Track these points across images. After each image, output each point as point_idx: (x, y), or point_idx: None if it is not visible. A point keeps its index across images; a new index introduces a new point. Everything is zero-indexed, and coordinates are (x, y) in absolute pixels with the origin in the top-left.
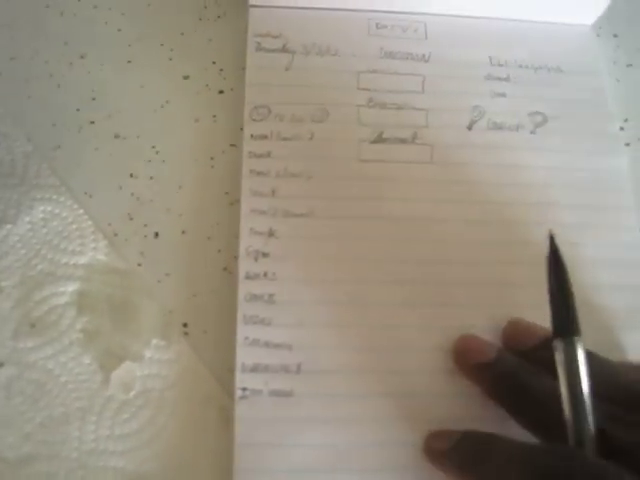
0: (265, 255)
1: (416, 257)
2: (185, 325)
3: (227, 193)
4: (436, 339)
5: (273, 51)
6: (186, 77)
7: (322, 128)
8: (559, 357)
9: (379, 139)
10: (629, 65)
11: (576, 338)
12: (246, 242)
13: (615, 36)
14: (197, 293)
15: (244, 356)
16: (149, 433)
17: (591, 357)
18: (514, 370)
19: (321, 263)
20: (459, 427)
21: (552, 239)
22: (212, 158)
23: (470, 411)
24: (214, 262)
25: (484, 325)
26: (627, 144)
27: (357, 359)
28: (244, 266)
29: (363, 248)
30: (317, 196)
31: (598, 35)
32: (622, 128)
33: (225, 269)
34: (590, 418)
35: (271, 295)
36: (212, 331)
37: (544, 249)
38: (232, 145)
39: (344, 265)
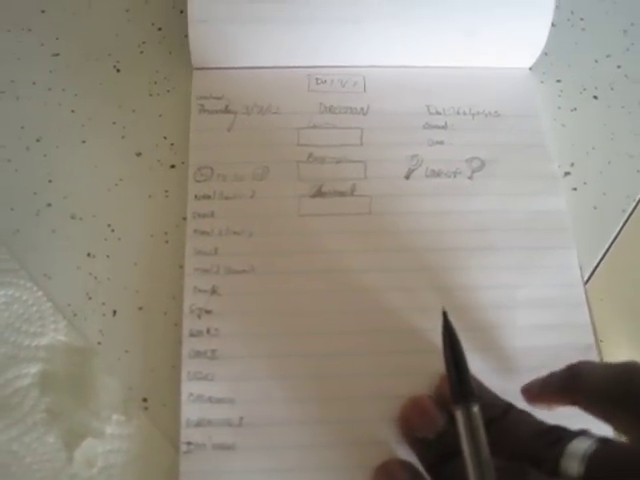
0: (208, 312)
1: (358, 307)
2: (145, 400)
3: (181, 267)
4: (380, 387)
5: (216, 112)
6: (138, 154)
7: (263, 186)
8: (459, 422)
9: (318, 193)
10: (573, 109)
11: (472, 404)
12: (190, 300)
13: (558, 81)
14: (155, 368)
15: (189, 412)
16: None
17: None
18: (453, 452)
19: (262, 318)
20: None
21: (445, 315)
22: (166, 233)
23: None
24: (171, 336)
25: (427, 371)
26: (574, 189)
27: (299, 410)
28: (188, 324)
29: (304, 301)
30: (257, 253)
31: (542, 81)
32: (569, 173)
33: (181, 342)
34: (492, 475)
35: (214, 351)
36: (170, 404)
37: (485, 294)
38: (184, 218)
39: (285, 319)
